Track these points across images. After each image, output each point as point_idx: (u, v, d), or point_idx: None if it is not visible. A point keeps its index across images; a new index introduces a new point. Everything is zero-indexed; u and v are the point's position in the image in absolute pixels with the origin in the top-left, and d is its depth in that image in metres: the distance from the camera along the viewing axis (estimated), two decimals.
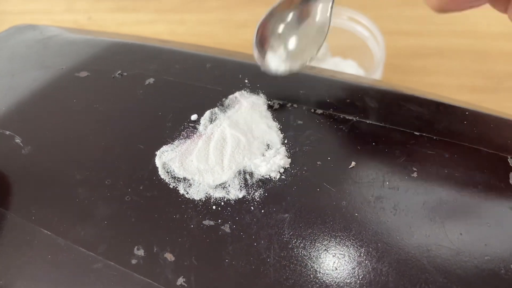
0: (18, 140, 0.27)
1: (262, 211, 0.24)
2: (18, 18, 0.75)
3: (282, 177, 0.25)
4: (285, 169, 0.26)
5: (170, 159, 0.26)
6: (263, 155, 0.26)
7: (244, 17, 0.70)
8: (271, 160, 0.26)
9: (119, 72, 0.31)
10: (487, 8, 0.27)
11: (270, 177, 0.25)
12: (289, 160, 0.26)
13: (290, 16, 0.29)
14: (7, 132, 0.28)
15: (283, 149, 0.26)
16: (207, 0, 0.74)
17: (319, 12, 0.29)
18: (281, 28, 0.29)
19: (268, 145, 0.27)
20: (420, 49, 0.61)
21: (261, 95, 0.29)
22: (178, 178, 0.25)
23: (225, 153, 0.26)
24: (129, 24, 0.72)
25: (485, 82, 0.57)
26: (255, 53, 0.28)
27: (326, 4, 0.28)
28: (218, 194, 0.25)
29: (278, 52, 0.28)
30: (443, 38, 0.60)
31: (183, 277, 0.22)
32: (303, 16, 0.29)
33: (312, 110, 0.28)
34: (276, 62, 0.28)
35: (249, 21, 0.69)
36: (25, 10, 0.76)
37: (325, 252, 0.22)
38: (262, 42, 0.28)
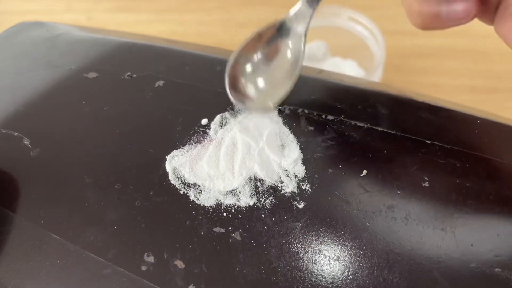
0: (26, 142, 0.27)
1: (273, 219, 0.24)
2: (18, 18, 0.75)
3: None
4: (297, 176, 0.25)
5: (180, 164, 0.26)
6: (276, 162, 0.26)
7: (244, 17, 0.70)
8: (286, 168, 0.25)
9: (129, 73, 0.31)
10: None
11: (282, 184, 0.25)
12: (304, 167, 0.26)
13: (260, 53, 0.28)
14: (16, 133, 0.27)
15: (299, 158, 0.26)
16: (207, 0, 0.74)
17: (291, 46, 0.28)
18: (252, 67, 0.28)
19: (280, 151, 0.26)
20: (420, 49, 0.61)
21: None
22: (189, 183, 0.25)
23: (236, 159, 0.26)
24: (129, 24, 0.72)
25: (485, 82, 0.57)
26: (230, 96, 0.27)
27: (298, 39, 0.28)
28: (228, 201, 0.24)
29: (252, 92, 0.28)
30: (443, 38, 0.60)
31: (193, 285, 0.22)
32: (274, 52, 0.28)
33: (323, 116, 0.28)
34: (251, 103, 0.28)
35: (249, 21, 0.69)
36: (25, 10, 0.76)
37: (336, 261, 0.22)
38: (235, 83, 0.27)
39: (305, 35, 0.28)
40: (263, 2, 0.72)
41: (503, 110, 0.55)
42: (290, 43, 0.28)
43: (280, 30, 0.28)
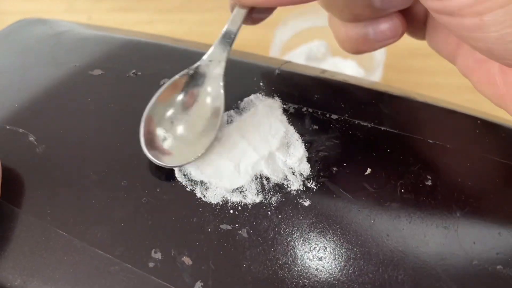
0: (32, 138, 0.27)
1: (279, 216, 0.24)
2: (18, 18, 0.75)
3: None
4: (302, 174, 0.26)
5: None
6: (281, 160, 0.26)
7: None
8: (291, 166, 0.26)
9: (134, 71, 0.31)
10: None
11: (287, 182, 0.25)
12: (308, 166, 0.26)
13: (176, 104, 0.27)
14: (21, 130, 0.27)
15: (304, 157, 0.26)
16: (207, 0, 0.74)
17: (209, 90, 0.27)
18: (169, 119, 0.26)
19: (286, 149, 0.27)
20: (420, 49, 0.61)
21: (276, 98, 0.29)
22: (195, 181, 0.25)
23: (242, 157, 0.26)
24: (129, 24, 0.72)
25: None
26: (146, 153, 0.25)
27: (216, 83, 0.27)
28: (235, 198, 0.25)
29: (172, 146, 0.26)
30: None
31: (200, 281, 0.22)
32: (191, 99, 0.27)
33: (327, 115, 0.28)
34: (170, 158, 0.26)
35: None
36: (25, 10, 0.76)
37: (341, 258, 0.23)
38: (151, 139, 0.26)
39: (223, 79, 0.27)
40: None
41: (502, 110, 0.55)
42: (208, 88, 0.27)
43: (194, 76, 0.27)
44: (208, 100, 0.27)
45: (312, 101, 0.29)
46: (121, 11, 0.74)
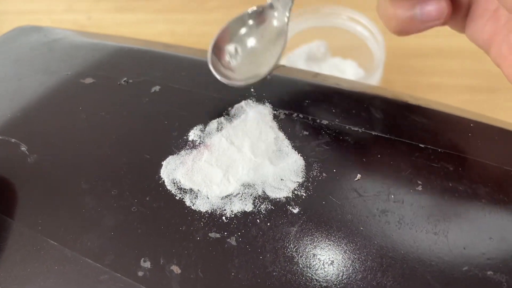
0: (23, 148, 0.27)
1: (268, 224, 0.24)
2: (18, 18, 0.75)
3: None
4: (291, 181, 0.26)
5: (176, 170, 0.26)
6: (271, 167, 0.26)
7: None
8: (281, 173, 0.26)
9: (125, 79, 0.31)
10: None
11: (276, 189, 0.25)
12: (298, 172, 0.26)
13: (245, 28, 0.29)
14: (13, 140, 0.28)
15: (294, 163, 0.26)
16: (207, 0, 0.74)
17: (276, 15, 0.29)
18: (239, 37, 0.29)
19: (275, 156, 0.27)
20: (420, 49, 0.61)
21: (267, 104, 0.29)
22: (185, 189, 0.25)
23: (231, 164, 0.26)
24: (129, 24, 0.72)
25: (485, 82, 0.57)
26: (212, 68, 0.27)
27: (282, 13, 0.29)
28: (224, 206, 0.25)
29: (238, 64, 0.28)
30: (443, 38, 0.60)
31: None
32: (261, 21, 0.29)
33: (318, 121, 0.28)
34: (238, 74, 0.28)
35: None
36: (25, 10, 0.76)
37: (330, 265, 0.23)
38: (219, 55, 0.28)
39: (289, 11, 0.29)
40: (263, 2, 0.72)
41: (502, 110, 0.55)
42: (275, 14, 0.29)
43: (266, 7, 0.29)
44: (275, 22, 0.29)
45: (302, 107, 0.29)
46: (121, 11, 0.75)
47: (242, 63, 0.28)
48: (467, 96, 0.57)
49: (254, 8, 0.29)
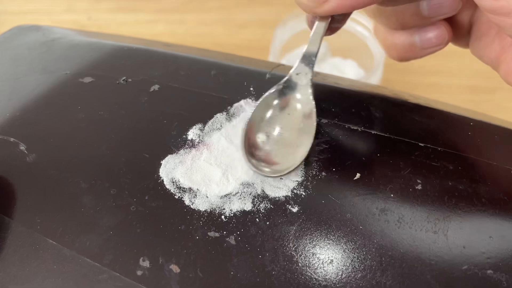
0: (22, 147, 0.27)
1: (267, 223, 0.24)
2: (18, 18, 0.75)
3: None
4: (290, 180, 0.26)
5: (175, 169, 0.26)
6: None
7: (244, 17, 0.70)
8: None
9: (124, 78, 0.31)
10: None
11: (276, 188, 0.25)
12: (297, 171, 0.26)
13: (272, 113, 0.28)
14: (12, 139, 0.28)
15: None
16: (207, 0, 0.74)
17: (300, 99, 0.28)
18: (266, 126, 0.28)
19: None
20: None
21: None
22: (184, 188, 0.25)
23: (230, 163, 0.26)
24: (129, 24, 0.72)
25: (485, 82, 0.57)
26: (248, 164, 0.26)
27: (305, 91, 0.28)
28: (223, 205, 0.25)
29: (272, 149, 0.27)
30: None
31: None
32: (285, 107, 0.28)
33: (317, 120, 0.28)
34: (273, 168, 0.26)
35: (249, 21, 0.69)
36: (25, 10, 0.76)
37: (330, 264, 0.23)
38: (251, 149, 0.27)
39: (311, 86, 0.28)
40: (263, 2, 0.72)
41: (502, 110, 0.55)
42: (297, 95, 0.28)
43: (284, 89, 0.28)
44: (299, 106, 0.28)
45: None
46: (121, 11, 0.75)
47: (277, 148, 0.27)
48: (467, 96, 0.57)
49: (274, 89, 0.28)
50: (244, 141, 0.26)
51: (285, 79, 0.28)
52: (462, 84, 0.58)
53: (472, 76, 0.58)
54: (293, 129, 0.27)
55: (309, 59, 0.28)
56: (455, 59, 0.59)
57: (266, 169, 0.26)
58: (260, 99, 0.28)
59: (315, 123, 0.27)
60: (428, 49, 0.28)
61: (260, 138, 0.27)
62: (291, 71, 0.28)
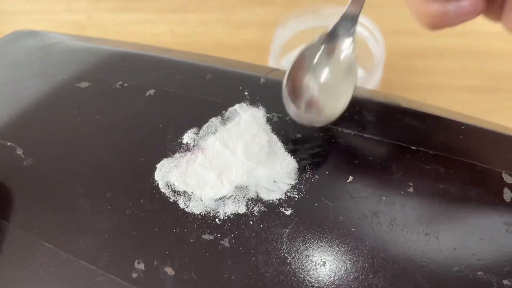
0: (19, 151, 0.28)
1: (261, 225, 0.24)
2: (18, 18, 0.75)
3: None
4: (284, 183, 0.26)
5: (170, 173, 0.26)
6: (264, 169, 0.26)
7: (244, 17, 0.70)
8: (273, 175, 0.26)
9: (120, 83, 0.31)
10: None
11: (269, 191, 0.26)
12: (291, 175, 0.26)
13: (318, 57, 0.28)
14: (9, 143, 0.28)
15: (287, 165, 0.26)
16: (207, 0, 0.74)
17: (342, 47, 0.28)
18: (312, 70, 0.28)
19: (268, 158, 0.27)
20: (420, 49, 0.61)
21: (261, 107, 0.29)
22: (178, 191, 0.26)
23: (225, 167, 0.26)
24: (129, 24, 0.72)
25: (485, 82, 0.57)
26: (289, 107, 0.27)
27: (348, 41, 0.28)
28: (217, 208, 0.25)
29: (314, 103, 0.28)
30: (443, 38, 0.60)
31: None
32: (330, 54, 0.28)
33: None
34: (314, 115, 0.27)
35: (249, 21, 0.69)
36: (25, 10, 0.76)
37: (322, 266, 0.23)
38: (295, 93, 0.27)
39: (354, 42, 0.28)
40: (263, 2, 0.72)
41: (502, 110, 0.55)
42: (342, 46, 0.28)
43: (329, 35, 0.28)
44: (342, 56, 0.28)
45: None
46: (121, 11, 0.74)
47: (319, 96, 0.28)
48: (467, 96, 0.56)
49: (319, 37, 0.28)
50: (286, 83, 0.27)
51: (329, 30, 0.28)
52: (462, 84, 0.58)
53: (472, 76, 0.58)
54: (337, 78, 0.28)
55: (351, 19, 0.28)
56: (455, 59, 0.59)
57: (310, 115, 0.27)
58: (305, 47, 0.28)
59: (357, 76, 0.28)
60: (462, 17, 0.28)
61: (306, 81, 0.28)
62: (333, 24, 0.28)
